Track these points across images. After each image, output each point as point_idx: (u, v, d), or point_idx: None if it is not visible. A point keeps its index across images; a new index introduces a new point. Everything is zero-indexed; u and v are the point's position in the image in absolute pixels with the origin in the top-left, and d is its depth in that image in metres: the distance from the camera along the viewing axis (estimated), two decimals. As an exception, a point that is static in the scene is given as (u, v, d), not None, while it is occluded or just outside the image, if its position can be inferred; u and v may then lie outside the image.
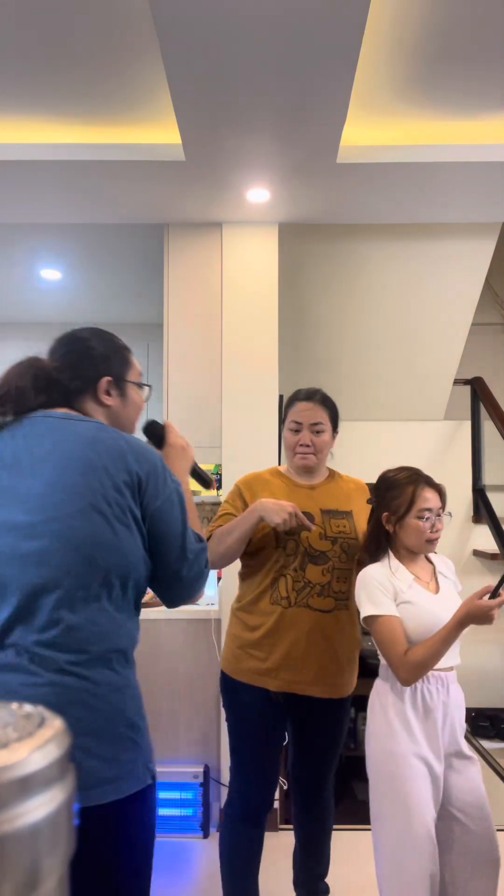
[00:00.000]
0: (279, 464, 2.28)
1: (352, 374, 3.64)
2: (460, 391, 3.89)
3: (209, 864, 2.47)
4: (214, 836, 2.65)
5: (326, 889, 2.12)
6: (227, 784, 2.14)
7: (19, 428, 1.21)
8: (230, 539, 1.86)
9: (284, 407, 2.05)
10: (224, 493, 2.48)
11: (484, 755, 3.31)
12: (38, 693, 1.07)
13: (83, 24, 1.88)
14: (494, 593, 1.57)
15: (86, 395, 1.28)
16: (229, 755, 1.98)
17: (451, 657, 1.68)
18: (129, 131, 2.45)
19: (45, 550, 1.11)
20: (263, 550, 1.91)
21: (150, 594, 1.41)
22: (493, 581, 1.60)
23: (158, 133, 2.44)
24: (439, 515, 1.75)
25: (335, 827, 2.13)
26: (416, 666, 1.59)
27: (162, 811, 2.65)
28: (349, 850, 2.44)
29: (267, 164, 2.46)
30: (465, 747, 1.70)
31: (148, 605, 2.17)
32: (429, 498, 1.73)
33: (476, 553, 3.81)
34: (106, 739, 1.11)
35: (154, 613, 2.67)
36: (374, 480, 1.89)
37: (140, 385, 1.38)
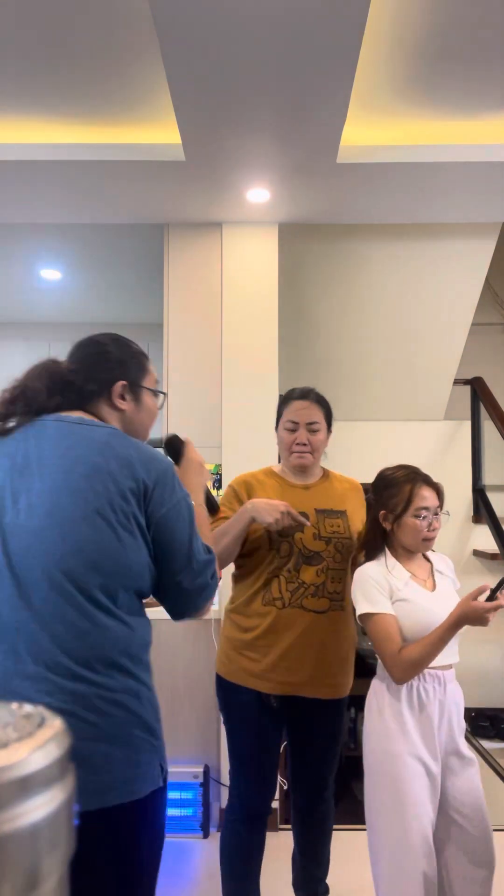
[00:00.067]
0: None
1: (352, 373, 3.64)
2: (460, 391, 3.89)
3: (209, 864, 2.47)
4: (214, 836, 2.65)
5: (326, 889, 2.11)
6: (227, 784, 2.13)
7: (31, 430, 1.21)
8: (225, 541, 1.84)
9: (279, 406, 2.03)
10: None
11: (484, 755, 3.31)
12: (54, 700, 1.07)
13: (83, 24, 1.88)
14: (492, 596, 1.56)
15: (100, 398, 1.28)
16: (228, 758, 1.98)
17: (450, 655, 1.68)
18: (129, 131, 2.45)
19: (50, 554, 1.11)
20: (258, 552, 1.89)
21: None
22: (492, 581, 1.60)
23: (158, 133, 2.44)
24: (437, 514, 1.75)
25: (335, 827, 2.13)
26: (409, 664, 1.59)
27: (162, 811, 2.65)
28: (349, 850, 2.44)
29: (267, 164, 2.46)
30: (465, 747, 1.70)
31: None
32: (426, 496, 1.73)
33: (476, 553, 3.81)
34: (123, 743, 1.12)
35: (153, 613, 2.66)
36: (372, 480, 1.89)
37: (155, 392, 1.38)
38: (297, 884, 2.12)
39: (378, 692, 1.71)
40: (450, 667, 1.72)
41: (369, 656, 2.63)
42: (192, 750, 2.75)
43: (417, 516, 1.72)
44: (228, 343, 2.95)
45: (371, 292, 3.41)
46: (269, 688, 1.86)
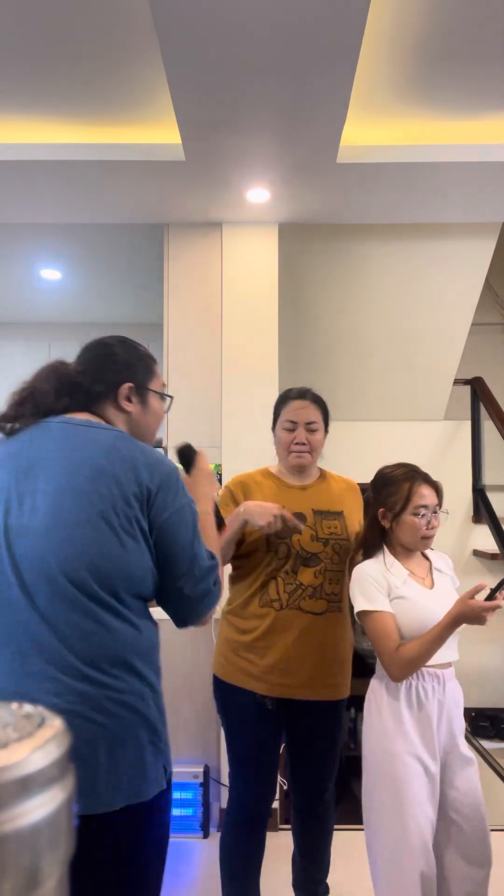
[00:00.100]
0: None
1: (352, 373, 3.64)
2: (460, 391, 3.89)
3: (209, 864, 2.47)
4: (214, 836, 2.65)
5: (326, 890, 2.11)
6: (227, 784, 2.13)
7: (36, 431, 1.21)
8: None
9: (276, 406, 2.02)
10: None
11: (484, 755, 3.31)
12: (62, 701, 1.07)
13: (83, 24, 1.88)
14: (491, 595, 1.56)
15: (107, 400, 1.28)
16: (227, 760, 1.98)
17: (449, 653, 1.68)
18: (129, 131, 2.45)
19: (55, 555, 1.11)
20: (255, 553, 1.88)
21: None
22: (492, 581, 1.60)
23: (158, 133, 2.44)
24: (435, 513, 1.75)
25: (335, 827, 2.13)
26: (406, 662, 1.59)
27: (162, 811, 2.65)
28: (349, 850, 2.44)
29: (267, 164, 2.46)
30: (464, 747, 1.70)
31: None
32: (425, 494, 1.73)
33: (476, 553, 3.81)
34: (129, 745, 1.12)
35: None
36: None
37: (162, 395, 1.38)
38: (297, 884, 2.12)
39: (377, 691, 1.71)
40: (449, 665, 1.71)
41: (369, 656, 2.63)
42: (192, 750, 2.75)
43: (416, 514, 1.72)
44: (228, 343, 2.95)
45: (371, 292, 3.41)
46: (267, 689, 1.86)
